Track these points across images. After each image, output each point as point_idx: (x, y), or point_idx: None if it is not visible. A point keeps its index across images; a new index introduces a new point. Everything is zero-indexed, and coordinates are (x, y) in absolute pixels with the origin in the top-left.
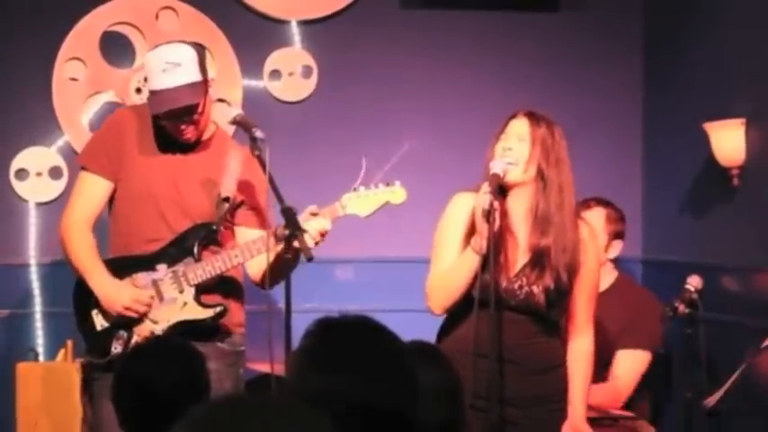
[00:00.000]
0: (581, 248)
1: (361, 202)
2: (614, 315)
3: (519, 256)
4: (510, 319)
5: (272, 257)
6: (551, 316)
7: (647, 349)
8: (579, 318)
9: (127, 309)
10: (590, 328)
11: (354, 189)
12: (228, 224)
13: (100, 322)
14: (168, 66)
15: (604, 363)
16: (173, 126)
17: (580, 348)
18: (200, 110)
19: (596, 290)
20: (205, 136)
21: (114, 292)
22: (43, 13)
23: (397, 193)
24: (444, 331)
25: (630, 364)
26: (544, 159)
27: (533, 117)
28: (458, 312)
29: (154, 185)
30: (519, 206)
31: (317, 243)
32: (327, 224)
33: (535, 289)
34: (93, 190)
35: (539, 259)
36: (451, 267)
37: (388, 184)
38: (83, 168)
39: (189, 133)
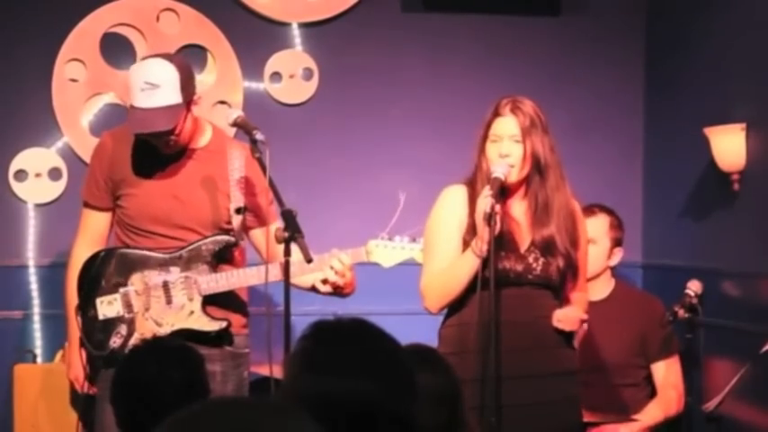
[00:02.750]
0: (577, 222)
1: (387, 253)
2: (622, 325)
3: (524, 234)
4: (530, 294)
5: (302, 282)
6: (561, 289)
7: (676, 352)
8: (578, 285)
9: (69, 375)
10: (586, 290)
11: (382, 237)
12: (243, 232)
13: (103, 312)
14: (147, 86)
15: (617, 370)
16: (152, 140)
17: (581, 295)
18: (176, 132)
19: (587, 257)
20: (200, 143)
21: (74, 362)
22: (44, 14)
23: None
24: (451, 315)
25: (674, 369)
26: (540, 148)
27: (517, 111)
28: (466, 297)
29: (152, 203)
30: (518, 193)
31: (336, 287)
32: (346, 259)
33: (550, 259)
34: (96, 225)
35: (546, 248)
36: (449, 268)
37: (414, 240)
38: (85, 204)
39: (167, 148)
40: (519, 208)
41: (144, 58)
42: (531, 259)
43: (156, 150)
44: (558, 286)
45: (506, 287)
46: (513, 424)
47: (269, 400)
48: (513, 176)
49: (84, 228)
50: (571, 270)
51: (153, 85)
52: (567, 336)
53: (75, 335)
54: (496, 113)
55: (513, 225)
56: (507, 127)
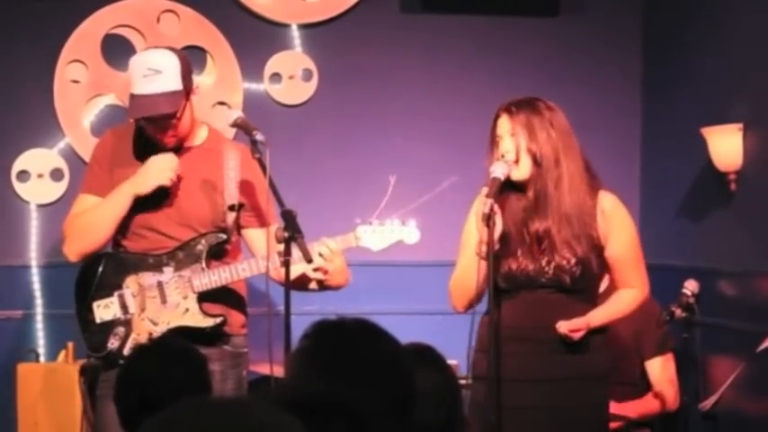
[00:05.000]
0: (598, 216)
1: (375, 236)
2: (617, 323)
3: (538, 233)
4: (544, 298)
5: (292, 273)
6: (578, 290)
7: (671, 350)
8: (627, 283)
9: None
10: (639, 286)
11: (370, 222)
12: (236, 229)
13: (100, 315)
14: (149, 72)
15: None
16: (151, 131)
17: (622, 292)
18: (177, 117)
19: (634, 252)
20: (196, 141)
21: (159, 164)
22: (45, 16)
23: (411, 234)
24: (482, 320)
25: (668, 366)
26: (532, 142)
27: (510, 109)
28: (498, 297)
29: (149, 200)
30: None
31: (325, 272)
32: (333, 245)
33: (563, 261)
34: (91, 205)
35: (539, 242)
36: (464, 269)
37: (403, 223)
38: (83, 192)
39: (167, 139)
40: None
41: (145, 49)
42: (543, 262)
43: (154, 148)
44: (573, 288)
45: (519, 291)
46: (524, 426)
47: (250, 400)
48: (516, 173)
49: (77, 209)
50: (586, 271)
51: (155, 71)
52: (586, 341)
53: (129, 183)
54: (496, 116)
55: (528, 226)
56: (503, 126)
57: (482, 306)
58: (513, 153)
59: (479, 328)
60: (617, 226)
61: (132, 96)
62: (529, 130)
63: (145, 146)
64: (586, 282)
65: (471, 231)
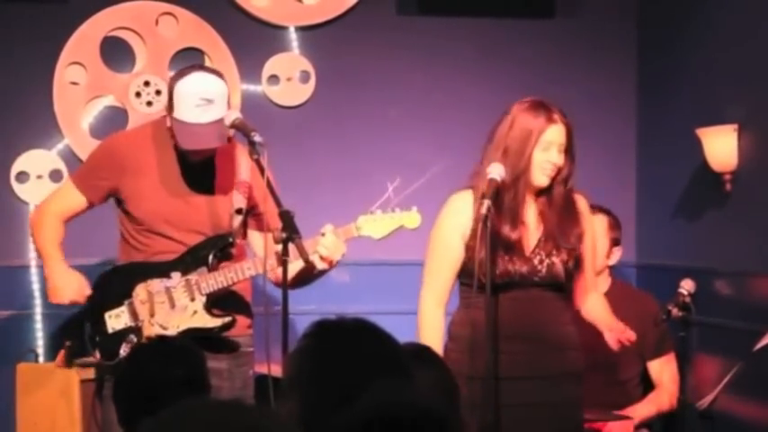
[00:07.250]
0: (581, 218)
1: (376, 224)
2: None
3: (531, 233)
4: (538, 296)
5: (291, 269)
6: (568, 286)
7: (672, 350)
8: (588, 282)
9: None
10: (596, 287)
11: (371, 212)
12: (242, 231)
13: (112, 325)
14: (202, 102)
15: (614, 368)
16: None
17: (595, 299)
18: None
19: (596, 254)
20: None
21: (63, 284)
22: (44, 18)
23: (412, 218)
24: (460, 319)
25: (669, 366)
26: (571, 161)
27: (566, 120)
28: (475, 299)
29: (162, 206)
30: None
31: (330, 263)
32: (333, 239)
33: (555, 260)
34: (72, 199)
35: (552, 238)
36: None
37: (403, 209)
38: (73, 181)
39: (199, 156)
40: (528, 209)
41: (191, 71)
42: (536, 261)
43: (169, 153)
44: (564, 281)
45: (512, 290)
46: (517, 423)
47: (250, 403)
48: (543, 180)
49: (61, 194)
50: (576, 264)
51: (208, 100)
52: (573, 338)
53: (57, 263)
54: (551, 120)
55: (521, 227)
56: (559, 135)
57: (451, 305)
58: (557, 168)
59: (453, 327)
60: (589, 227)
61: (181, 122)
62: (572, 150)
63: (160, 153)
64: (569, 279)
65: (446, 237)
